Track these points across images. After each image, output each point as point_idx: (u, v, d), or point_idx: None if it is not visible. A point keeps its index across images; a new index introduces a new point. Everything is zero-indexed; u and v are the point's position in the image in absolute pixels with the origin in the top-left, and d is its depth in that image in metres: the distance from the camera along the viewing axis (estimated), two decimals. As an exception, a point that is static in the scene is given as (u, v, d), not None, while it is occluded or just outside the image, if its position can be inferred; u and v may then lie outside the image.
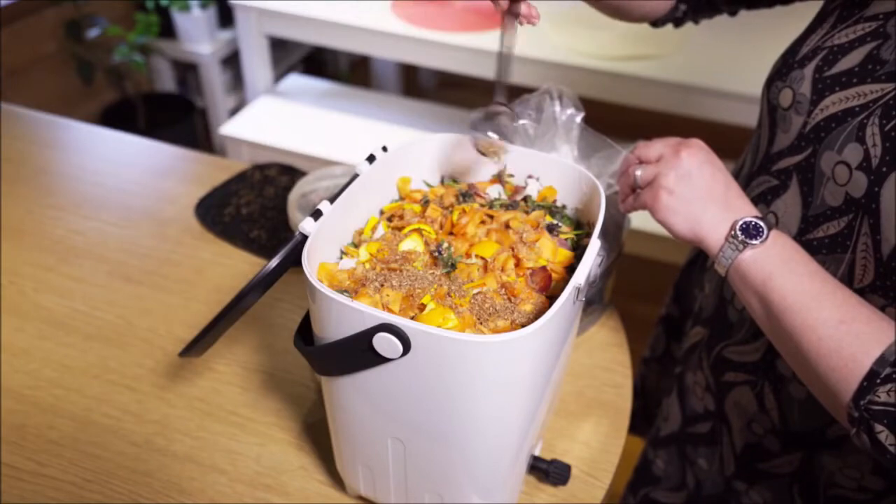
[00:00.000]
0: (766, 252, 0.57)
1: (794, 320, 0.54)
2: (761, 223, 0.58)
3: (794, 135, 0.65)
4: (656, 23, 0.85)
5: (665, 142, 0.64)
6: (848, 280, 0.60)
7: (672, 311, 0.98)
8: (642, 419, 1.04)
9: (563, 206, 0.70)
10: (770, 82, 0.69)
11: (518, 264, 0.61)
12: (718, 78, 1.62)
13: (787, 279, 0.56)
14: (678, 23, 0.85)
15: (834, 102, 0.61)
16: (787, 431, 0.69)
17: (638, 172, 0.63)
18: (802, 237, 0.64)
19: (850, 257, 0.60)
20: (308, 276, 0.53)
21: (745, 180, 0.75)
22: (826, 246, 0.62)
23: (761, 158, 0.71)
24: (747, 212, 0.59)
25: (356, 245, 0.64)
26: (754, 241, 0.57)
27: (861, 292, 0.59)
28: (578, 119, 0.79)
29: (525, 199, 0.69)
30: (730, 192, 0.60)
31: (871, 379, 0.50)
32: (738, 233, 0.58)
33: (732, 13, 0.82)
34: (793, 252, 0.57)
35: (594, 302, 0.89)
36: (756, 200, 0.70)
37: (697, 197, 0.60)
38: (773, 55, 0.72)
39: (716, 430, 0.78)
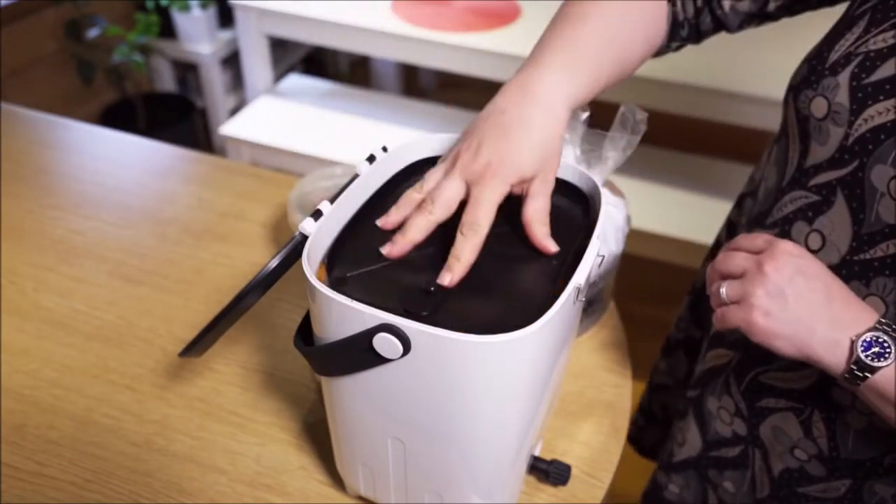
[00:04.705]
0: None
1: None
2: (884, 337, 0.52)
3: (835, 147, 0.59)
4: (657, 54, 0.77)
5: (746, 252, 0.58)
6: None
7: (694, 334, 0.93)
8: (658, 444, 0.99)
9: (564, 206, 0.70)
10: (797, 91, 0.63)
11: (518, 264, 0.60)
12: (728, 79, 1.60)
13: None
14: (678, 47, 0.77)
15: (880, 112, 0.55)
16: (836, 458, 0.64)
17: (723, 291, 0.57)
18: (856, 256, 0.58)
19: None
20: (308, 276, 0.52)
21: (772, 195, 0.69)
22: (889, 266, 0.56)
23: (793, 172, 0.65)
24: (861, 324, 0.53)
25: (356, 245, 0.64)
26: (884, 363, 0.51)
27: None
28: (583, 118, 0.78)
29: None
30: (833, 304, 0.54)
31: None
32: (863, 356, 0.52)
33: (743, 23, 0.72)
34: None
35: (594, 302, 0.89)
36: (794, 218, 0.64)
37: (798, 317, 0.53)
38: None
39: (746, 454, 0.73)
